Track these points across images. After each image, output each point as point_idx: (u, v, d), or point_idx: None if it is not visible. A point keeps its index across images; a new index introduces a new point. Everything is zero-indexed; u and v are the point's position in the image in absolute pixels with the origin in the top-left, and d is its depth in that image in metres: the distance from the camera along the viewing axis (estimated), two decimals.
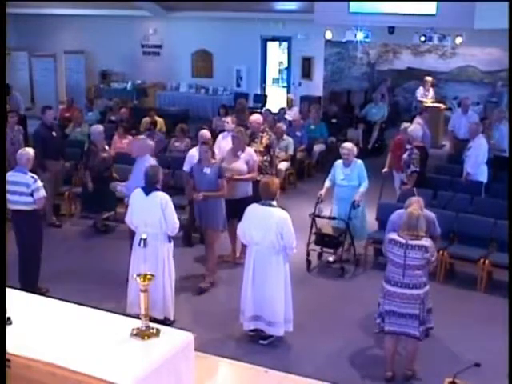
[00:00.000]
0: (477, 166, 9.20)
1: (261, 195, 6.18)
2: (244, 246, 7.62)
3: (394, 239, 5.41)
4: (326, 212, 8.15)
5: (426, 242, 5.35)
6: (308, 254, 7.99)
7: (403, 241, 5.34)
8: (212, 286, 7.43)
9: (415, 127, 9.31)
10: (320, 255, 8.29)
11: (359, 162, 8.08)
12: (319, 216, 8.04)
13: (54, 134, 9.50)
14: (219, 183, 7.22)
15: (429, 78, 14.23)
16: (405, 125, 9.62)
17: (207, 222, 7.32)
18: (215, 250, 7.46)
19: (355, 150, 8.15)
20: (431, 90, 14.20)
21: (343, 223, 7.95)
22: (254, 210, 6.14)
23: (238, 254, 8.13)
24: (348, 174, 7.99)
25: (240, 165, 7.80)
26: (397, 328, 5.44)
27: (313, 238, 8.05)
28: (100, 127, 9.60)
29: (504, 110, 11.47)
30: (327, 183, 8.21)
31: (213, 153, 7.43)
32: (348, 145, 8.18)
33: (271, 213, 5.97)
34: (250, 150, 8.04)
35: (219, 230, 7.38)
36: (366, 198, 8.27)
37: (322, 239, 8.02)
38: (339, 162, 8.14)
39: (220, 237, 7.55)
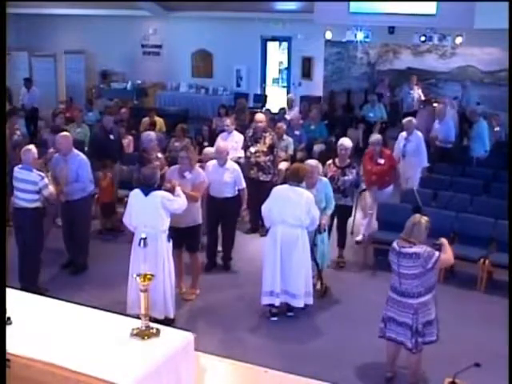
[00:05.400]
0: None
1: (288, 179, 6.73)
2: (195, 281, 7.29)
3: (393, 246, 5.34)
4: None
5: (418, 248, 5.19)
6: None
7: (397, 248, 5.28)
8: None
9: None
10: None
11: (324, 180, 7.26)
12: None
13: (111, 137, 9.35)
14: None
15: (413, 77, 14.43)
16: (374, 136, 9.02)
17: None
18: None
19: (320, 167, 7.21)
20: (416, 87, 14.26)
21: None
22: (282, 191, 6.65)
23: (184, 289, 7.28)
24: (314, 196, 6.80)
25: (184, 188, 6.81)
26: (395, 336, 5.40)
27: None
28: (151, 134, 9.35)
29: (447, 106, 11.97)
30: None
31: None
32: (312, 161, 7.20)
33: (300, 192, 6.53)
34: (198, 168, 7.27)
35: None
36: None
37: None
38: (302, 184, 6.92)
39: None
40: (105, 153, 9.04)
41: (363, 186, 8.42)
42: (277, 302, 6.61)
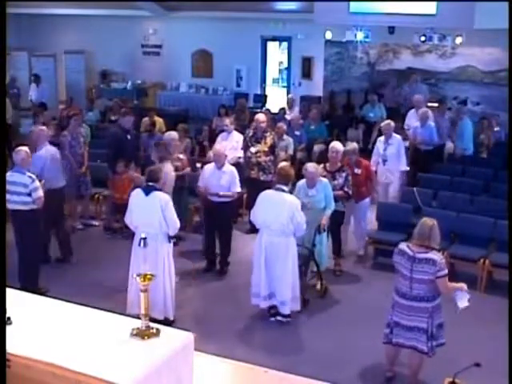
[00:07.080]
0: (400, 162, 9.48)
1: (276, 181, 6.72)
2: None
3: (403, 250, 5.25)
4: None
5: (434, 255, 5.13)
6: None
7: (411, 253, 5.17)
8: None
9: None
10: None
11: (325, 181, 7.27)
12: None
13: (128, 137, 9.27)
14: None
15: (414, 77, 14.36)
16: (350, 145, 8.47)
17: None
18: None
19: (320, 170, 7.33)
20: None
21: (306, 250, 6.95)
22: (267, 195, 6.57)
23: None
24: (314, 196, 7.08)
25: None
26: (404, 341, 5.33)
27: None
28: (173, 134, 9.05)
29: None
30: None
31: None
32: (312, 166, 7.22)
33: (283, 198, 6.40)
34: (168, 165, 7.60)
35: None
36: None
37: None
38: (302, 183, 7.21)
39: None
40: (123, 153, 9.02)
41: (346, 190, 7.65)
42: (262, 305, 6.57)
